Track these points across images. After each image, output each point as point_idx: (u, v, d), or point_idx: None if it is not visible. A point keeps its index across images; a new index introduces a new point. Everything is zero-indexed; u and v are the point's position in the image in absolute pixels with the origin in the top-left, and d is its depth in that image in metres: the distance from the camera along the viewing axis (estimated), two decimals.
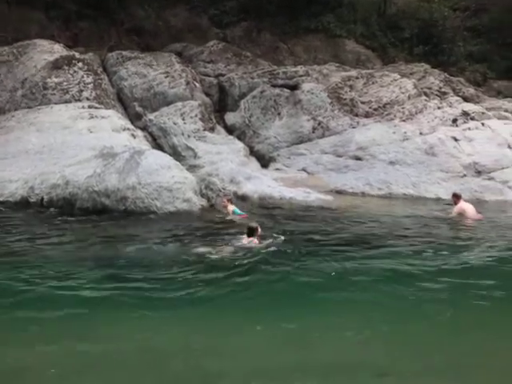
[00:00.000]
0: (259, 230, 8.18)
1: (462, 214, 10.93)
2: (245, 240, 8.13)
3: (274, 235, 8.48)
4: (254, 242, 8.05)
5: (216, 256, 7.66)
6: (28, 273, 6.83)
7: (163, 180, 10.99)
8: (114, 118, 14.08)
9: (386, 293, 6.34)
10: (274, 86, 16.48)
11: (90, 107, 14.12)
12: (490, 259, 7.73)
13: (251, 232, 8.10)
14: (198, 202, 11.21)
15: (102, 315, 5.77)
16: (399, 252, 8.02)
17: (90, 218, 10.28)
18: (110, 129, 13.45)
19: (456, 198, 11.23)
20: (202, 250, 7.95)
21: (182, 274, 6.97)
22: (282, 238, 8.40)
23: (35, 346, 5.03)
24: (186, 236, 9.09)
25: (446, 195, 13.03)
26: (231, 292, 6.40)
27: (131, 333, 5.38)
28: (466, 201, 11.32)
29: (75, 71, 14.86)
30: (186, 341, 5.21)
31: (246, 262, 7.37)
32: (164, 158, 11.71)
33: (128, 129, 14.05)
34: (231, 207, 10.87)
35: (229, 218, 10.65)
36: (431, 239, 9.02)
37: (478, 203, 12.41)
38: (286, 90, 16.31)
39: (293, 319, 5.64)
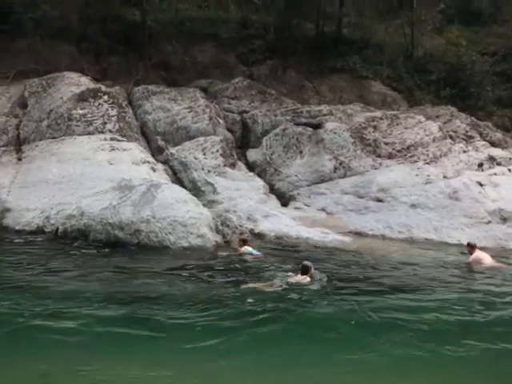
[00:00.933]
0: (312, 269, 8.49)
1: (478, 263, 10.48)
2: (298, 277, 8.39)
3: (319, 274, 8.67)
4: (306, 279, 8.29)
5: (270, 289, 7.87)
6: (29, 307, 6.67)
7: (178, 214, 10.87)
8: (135, 150, 14.11)
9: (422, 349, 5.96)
10: (297, 124, 16.40)
11: (112, 139, 14.21)
12: None
13: (305, 270, 8.38)
14: (213, 238, 11.03)
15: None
16: (421, 303, 7.63)
17: (103, 250, 10.16)
18: (130, 161, 13.47)
19: (470, 247, 10.85)
20: (252, 285, 8.08)
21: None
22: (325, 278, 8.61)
23: None
24: (201, 272, 8.93)
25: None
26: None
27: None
28: (483, 249, 10.87)
29: (100, 104, 15.03)
30: None
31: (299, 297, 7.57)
32: (180, 193, 11.63)
33: (148, 162, 14.05)
34: (245, 249, 10.54)
35: (243, 256, 10.42)
36: (459, 289, 8.62)
37: (502, 251, 11.97)
38: (308, 128, 16.21)
39: None
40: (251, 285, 8.12)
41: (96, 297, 7.34)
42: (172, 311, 6.88)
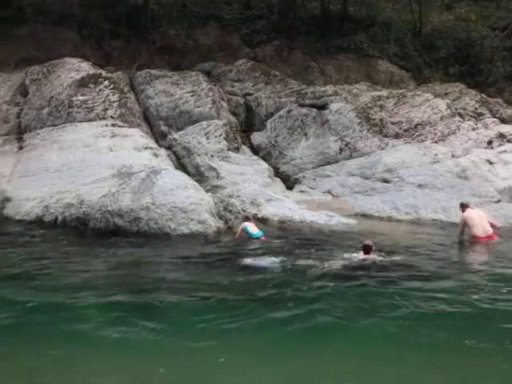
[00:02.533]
0: (373, 247, 8.60)
1: (467, 225, 10.16)
2: (361, 255, 8.50)
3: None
4: (369, 258, 8.43)
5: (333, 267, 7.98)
6: (26, 299, 6.46)
7: (178, 200, 10.61)
8: (137, 136, 13.87)
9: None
10: (302, 105, 16.07)
11: (113, 125, 13.98)
12: None
13: (367, 249, 8.48)
14: (214, 224, 10.74)
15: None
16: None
17: (104, 239, 9.94)
18: (132, 147, 13.24)
19: (462, 206, 10.50)
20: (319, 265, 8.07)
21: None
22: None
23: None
24: (201, 259, 8.72)
25: None
26: None
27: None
28: (493, 227, 10.44)
29: (101, 89, 14.76)
30: None
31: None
32: (181, 178, 11.35)
33: (150, 148, 13.80)
34: (242, 226, 10.33)
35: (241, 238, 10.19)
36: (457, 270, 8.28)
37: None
38: (313, 109, 15.86)
39: None
40: (319, 265, 8.15)
41: (96, 287, 7.11)
42: (174, 300, 6.62)
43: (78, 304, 6.41)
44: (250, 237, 10.20)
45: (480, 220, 10.29)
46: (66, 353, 5.30)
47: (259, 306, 6.35)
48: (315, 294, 6.80)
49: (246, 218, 10.65)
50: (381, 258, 8.49)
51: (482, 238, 10.19)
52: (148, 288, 7.07)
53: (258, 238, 10.15)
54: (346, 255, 8.65)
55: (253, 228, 10.36)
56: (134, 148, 13.24)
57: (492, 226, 10.50)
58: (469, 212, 10.39)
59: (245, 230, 10.29)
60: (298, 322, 5.94)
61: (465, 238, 10.26)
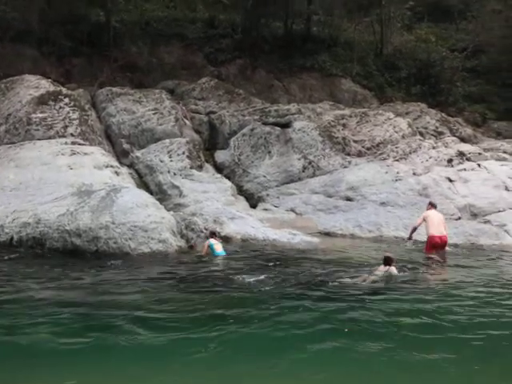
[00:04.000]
0: (394, 259, 8.97)
1: (425, 222, 11.06)
2: (381, 268, 8.77)
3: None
4: (391, 270, 8.72)
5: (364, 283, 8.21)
6: None
7: (138, 219, 10.50)
8: (97, 154, 13.71)
9: None
10: (265, 123, 16.19)
11: (73, 143, 13.80)
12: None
13: (389, 261, 8.77)
14: (175, 243, 10.67)
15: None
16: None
17: (60, 259, 9.74)
18: (92, 166, 13.05)
19: (430, 205, 11.48)
20: (346, 280, 8.26)
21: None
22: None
23: None
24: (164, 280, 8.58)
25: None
26: None
27: None
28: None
29: (61, 107, 14.61)
30: None
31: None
32: (141, 196, 11.26)
33: (111, 166, 13.64)
34: (208, 242, 10.41)
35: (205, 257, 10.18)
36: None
37: (472, 248, 11.82)
38: (277, 128, 16.00)
39: None
40: (346, 280, 8.34)
41: (50, 308, 6.91)
42: (132, 321, 6.47)
43: (29, 327, 6.23)
44: (213, 255, 10.24)
45: (438, 222, 11.13)
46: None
47: (224, 325, 6.28)
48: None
49: (212, 234, 10.68)
50: (397, 273, 8.78)
51: (436, 237, 10.97)
52: (105, 308, 6.92)
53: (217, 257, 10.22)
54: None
55: (218, 247, 10.40)
56: (94, 166, 13.07)
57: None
58: (431, 212, 11.28)
59: (210, 247, 10.33)
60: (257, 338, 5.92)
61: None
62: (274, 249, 11.30)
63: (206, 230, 11.54)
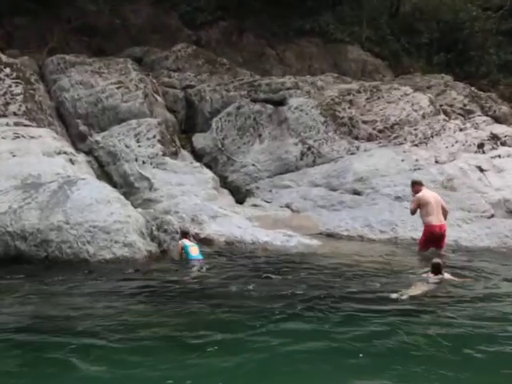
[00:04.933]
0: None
1: (420, 206, 11.18)
2: (432, 279, 8.99)
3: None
4: (444, 277, 9.00)
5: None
6: None
7: (99, 218, 10.51)
8: (48, 138, 13.75)
9: None
10: (255, 100, 16.28)
11: (16, 124, 13.81)
12: None
13: (439, 269, 9.01)
14: (144, 248, 10.69)
15: None
16: None
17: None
18: (40, 152, 13.08)
19: (417, 185, 11.47)
20: (393, 295, 8.18)
21: None
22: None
23: None
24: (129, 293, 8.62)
25: (469, 241, 12.61)
26: None
27: None
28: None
29: (0, 79, 14.67)
30: None
31: None
32: (102, 190, 11.28)
33: (65, 152, 13.70)
34: (181, 243, 10.61)
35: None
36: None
37: (506, 252, 11.98)
38: (268, 105, 16.08)
39: None
40: (406, 292, 8.39)
41: None
42: (87, 343, 6.52)
43: None
44: (187, 258, 10.44)
45: (437, 206, 11.24)
46: None
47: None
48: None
49: (185, 234, 10.85)
50: (450, 277, 9.08)
51: (436, 227, 11.19)
52: (48, 335, 6.92)
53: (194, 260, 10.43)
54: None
55: (194, 250, 10.55)
56: (43, 153, 13.07)
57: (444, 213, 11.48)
58: (426, 192, 11.37)
59: (185, 250, 10.51)
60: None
61: None
62: (265, 254, 11.39)
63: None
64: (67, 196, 10.74)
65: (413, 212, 11.37)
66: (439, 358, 5.87)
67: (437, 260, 9.20)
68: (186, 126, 16.78)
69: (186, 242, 10.64)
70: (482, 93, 19.00)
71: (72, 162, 13.60)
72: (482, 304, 7.93)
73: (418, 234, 12.59)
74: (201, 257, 10.56)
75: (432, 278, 8.96)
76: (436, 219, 11.21)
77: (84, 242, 10.27)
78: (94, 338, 6.62)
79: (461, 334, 6.64)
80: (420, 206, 11.27)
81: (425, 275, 9.17)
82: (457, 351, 6.06)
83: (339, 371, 5.66)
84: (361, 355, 5.90)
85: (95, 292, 8.68)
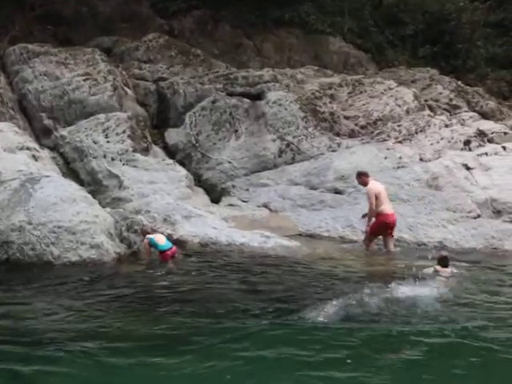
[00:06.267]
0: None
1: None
2: (445, 272, 9.52)
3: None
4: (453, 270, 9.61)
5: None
6: None
7: (64, 218, 10.50)
8: (9, 132, 13.65)
9: None
10: (231, 94, 16.29)
11: None
12: None
13: (447, 261, 9.57)
14: (113, 249, 10.69)
15: None
16: None
17: None
18: (1, 148, 12.95)
19: (365, 176, 11.97)
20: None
21: None
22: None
23: None
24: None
25: (453, 242, 12.72)
26: None
27: None
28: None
29: None
30: None
31: None
32: (68, 189, 11.25)
33: (28, 148, 13.61)
34: (147, 239, 10.68)
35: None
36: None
37: (493, 254, 12.09)
38: (245, 100, 16.08)
39: None
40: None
41: None
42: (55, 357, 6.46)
43: None
44: (159, 251, 10.53)
45: (386, 195, 11.91)
46: None
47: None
48: None
49: (146, 233, 10.90)
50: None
51: (390, 215, 11.73)
52: (20, 340, 6.89)
53: (166, 252, 10.51)
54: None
55: (160, 239, 10.67)
56: (4, 148, 12.94)
57: None
58: (374, 183, 11.92)
59: (151, 242, 10.58)
60: None
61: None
62: (241, 256, 11.42)
63: (155, 231, 11.57)
64: (30, 194, 10.74)
65: (375, 205, 11.65)
66: None
67: (444, 252, 9.72)
68: (157, 121, 16.73)
69: (150, 236, 10.71)
70: (468, 87, 19.18)
71: (35, 158, 13.51)
72: None
73: (403, 235, 12.76)
74: (170, 245, 10.65)
75: (444, 271, 9.42)
76: (388, 208, 11.77)
77: (48, 244, 10.28)
78: (54, 345, 6.60)
79: None
80: (376, 197, 11.73)
81: (431, 270, 9.52)
82: None
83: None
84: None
85: (58, 297, 8.66)
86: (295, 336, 6.89)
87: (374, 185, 11.85)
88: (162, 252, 10.55)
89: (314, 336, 6.84)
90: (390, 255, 11.78)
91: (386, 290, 8.77)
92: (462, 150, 15.35)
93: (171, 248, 10.62)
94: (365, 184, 11.91)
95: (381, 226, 11.77)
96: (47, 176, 11.64)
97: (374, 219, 11.77)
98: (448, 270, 9.51)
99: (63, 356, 6.31)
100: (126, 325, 7.45)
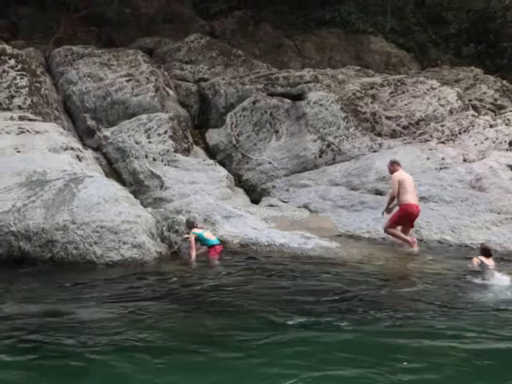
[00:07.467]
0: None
1: (400, 185, 11.63)
2: (491, 262, 9.70)
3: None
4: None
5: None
6: None
7: (106, 218, 10.57)
8: (53, 133, 13.84)
9: None
10: (271, 94, 16.31)
11: (21, 119, 13.96)
12: None
13: (489, 251, 9.83)
14: (154, 249, 10.76)
15: None
16: None
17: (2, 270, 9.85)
18: (46, 148, 13.18)
19: (396, 164, 12.08)
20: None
21: None
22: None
23: None
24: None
25: (498, 244, 12.48)
26: None
27: None
28: None
29: (5, 71, 14.83)
30: None
31: None
32: (110, 188, 11.33)
33: (72, 148, 13.79)
34: (193, 235, 10.79)
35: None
36: None
37: None
38: (286, 100, 16.10)
39: None
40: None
41: None
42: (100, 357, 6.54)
43: None
44: (209, 246, 10.72)
45: (413, 187, 11.93)
46: None
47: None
48: None
49: (191, 224, 11.05)
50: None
51: (414, 206, 11.76)
52: (64, 339, 6.97)
53: (215, 246, 10.77)
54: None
55: (209, 235, 10.90)
56: (49, 149, 13.17)
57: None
58: (402, 172, 11.95)
59: (200, 237, 10.73)
60: None
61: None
62: (281, 256, 11.38)
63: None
64: (74, 194, 10.82)
65: (397, 191, 11.71)
66: None
67: (486, 243, 9.99)
68: (199, 122, 16.87)
69: (196, 230, 10.84)
70: None
71: (79, 158, 13.70)
72: None
73: (445, 236, 12.60)
74: (218, 242, 10.88)
75: (489, 261, 9.54)
76: (413, 198, 11.75)
77: (91, 243, 10.34)
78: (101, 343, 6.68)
79: None
80: (400, 185, 11.72)
81: (475, 262, 9.64)
82: None
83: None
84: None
85: (103, 296, 8.74)
86: (352, 338, 6.85)
87: (401, 173, 11.91)
88: (212, 247, 10.73)
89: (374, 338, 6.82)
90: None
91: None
92: (507, 150, 15.14)
93: (220, 244, 10.84)
94: (394, 172, 12.01)
95: (403, 216, 11.77)
96: (90, 176, 11.78)
97: (397, 208, 11.86)
98: (491, 259, 9.61)
99: (112, 352, 6.40)
100: (165, 323, 7.44)
